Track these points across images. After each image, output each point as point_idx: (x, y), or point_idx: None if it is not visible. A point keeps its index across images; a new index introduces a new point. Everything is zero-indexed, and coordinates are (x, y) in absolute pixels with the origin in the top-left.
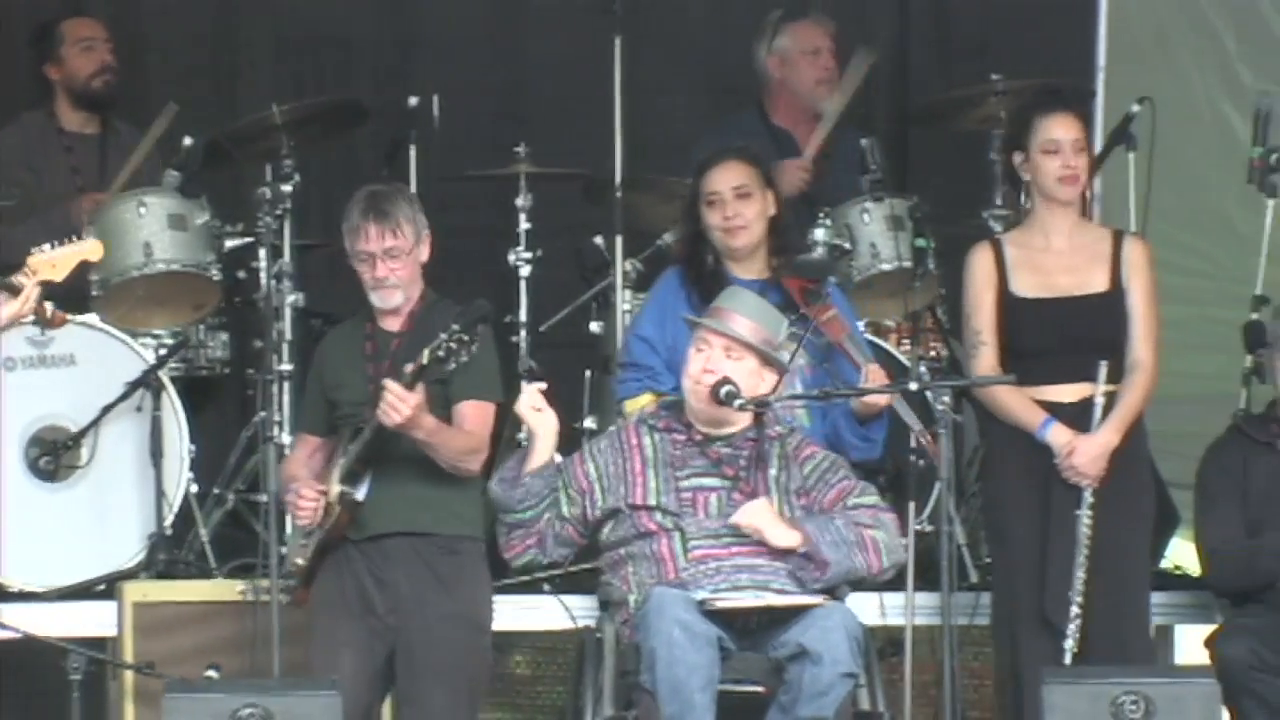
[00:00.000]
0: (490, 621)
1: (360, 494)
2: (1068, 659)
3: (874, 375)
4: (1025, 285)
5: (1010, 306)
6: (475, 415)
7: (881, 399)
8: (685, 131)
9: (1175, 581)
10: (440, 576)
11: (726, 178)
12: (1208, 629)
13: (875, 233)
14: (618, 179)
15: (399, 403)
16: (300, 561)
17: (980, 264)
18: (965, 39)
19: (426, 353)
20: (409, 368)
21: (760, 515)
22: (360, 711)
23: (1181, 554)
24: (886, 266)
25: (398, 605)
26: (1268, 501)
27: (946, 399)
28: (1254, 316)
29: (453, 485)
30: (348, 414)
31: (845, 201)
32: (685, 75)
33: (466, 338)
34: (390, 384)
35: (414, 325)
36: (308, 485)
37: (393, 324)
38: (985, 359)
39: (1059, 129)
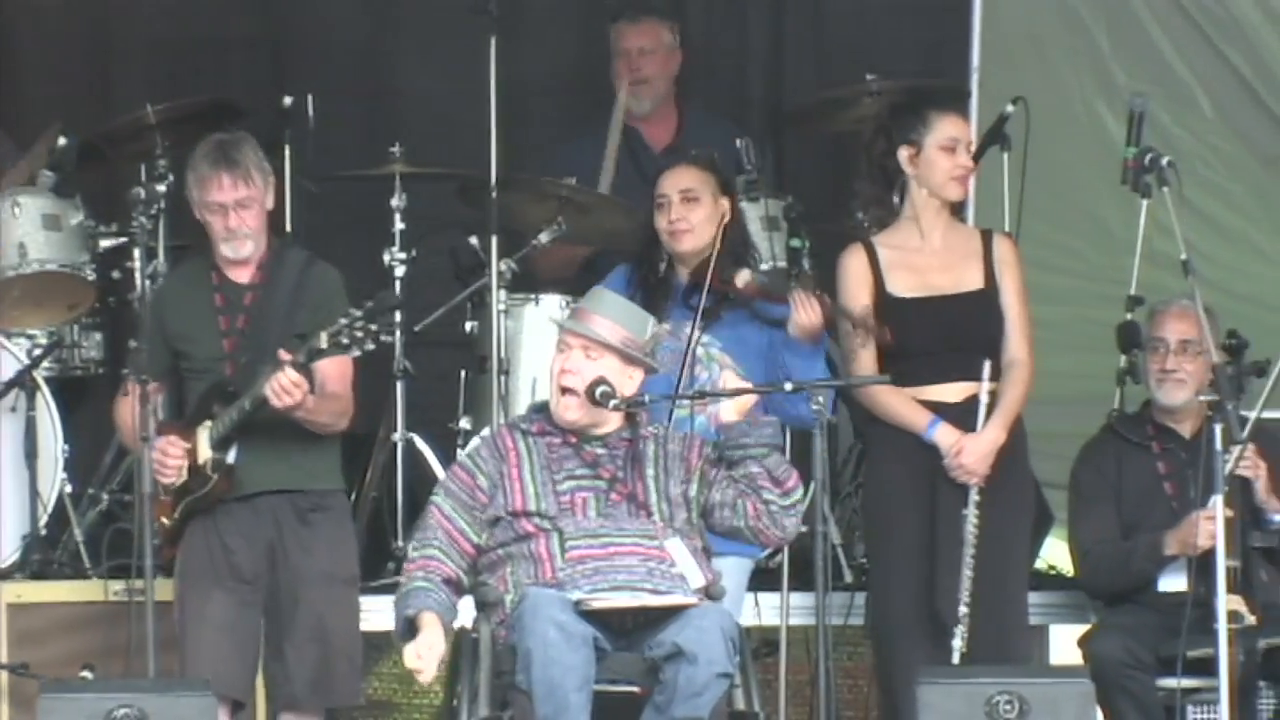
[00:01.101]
0: (358, 574)
1: (231, 457)
2: (956, 658)
3: (804, 299)
4: (902, 285)
5: (889, 307)
6: (337, 372)
7: (814, 319)
8: (562, 131)
9: (1049, 581)
10: (313, 533)
11: (675, 181)
12: (1082, 628)
13: (751, 233)
14: (493, 179)
15: (293, 388)
16: (165, 520)
17: (853, 266)
18: (840, 40)
19: (325, 336)
20: (296, 353)
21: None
22: (238, 687)
23: (1055, 554)
24: (762, 266)
25: (272, 565)
26: (1141, 502)
27: (821, 399)
28: (1128, 317)
29: (316, 440)
30: (199, 369)
31: None
32: (562, 74)
33: (373, 327)
34: (287, 370)
35: (265, 276)
36: (172, 443)
37: (241, 275)
38: (864, 360)
39: (957, 128)
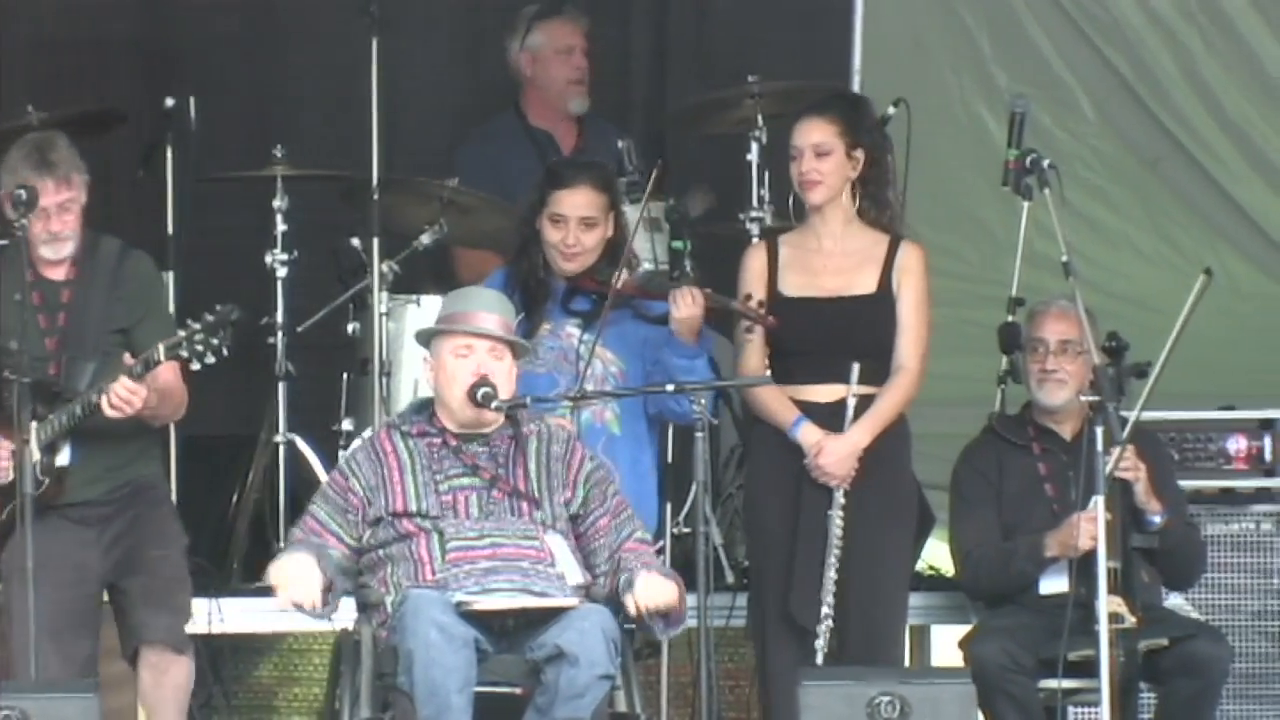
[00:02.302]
0: (187, 542)
1: (63, 459)
2: (819, 659)
3: (682, 293)
4: (792, 285)
5: (775, 305)
6: (168, 367)
7: (693, 311)
8: (444, 133)
9: (930, 583)
10: (149, 523)
11: (575, 205)
12: (963, 630)
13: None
14: (375, 181)
15: (132, 397)
16: None
17: (752, 262)
18: (723, 42)
19: (163, 348)
20: (135, 362)
21: (665, 597)
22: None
23: (937, 555)
24: (644, 268)
25: (118, 563)
26: (1022, 503)
27: (703, 400)
28: (1009, 318)
29: (137, 435)
30: (22, 368)
31: None
32: (444, 76)
33: (215, 341)
34: (123, 380)
35: (80, 272)
36: None
37: (56, 272)
38: (751, 357)
39: (799, 135)
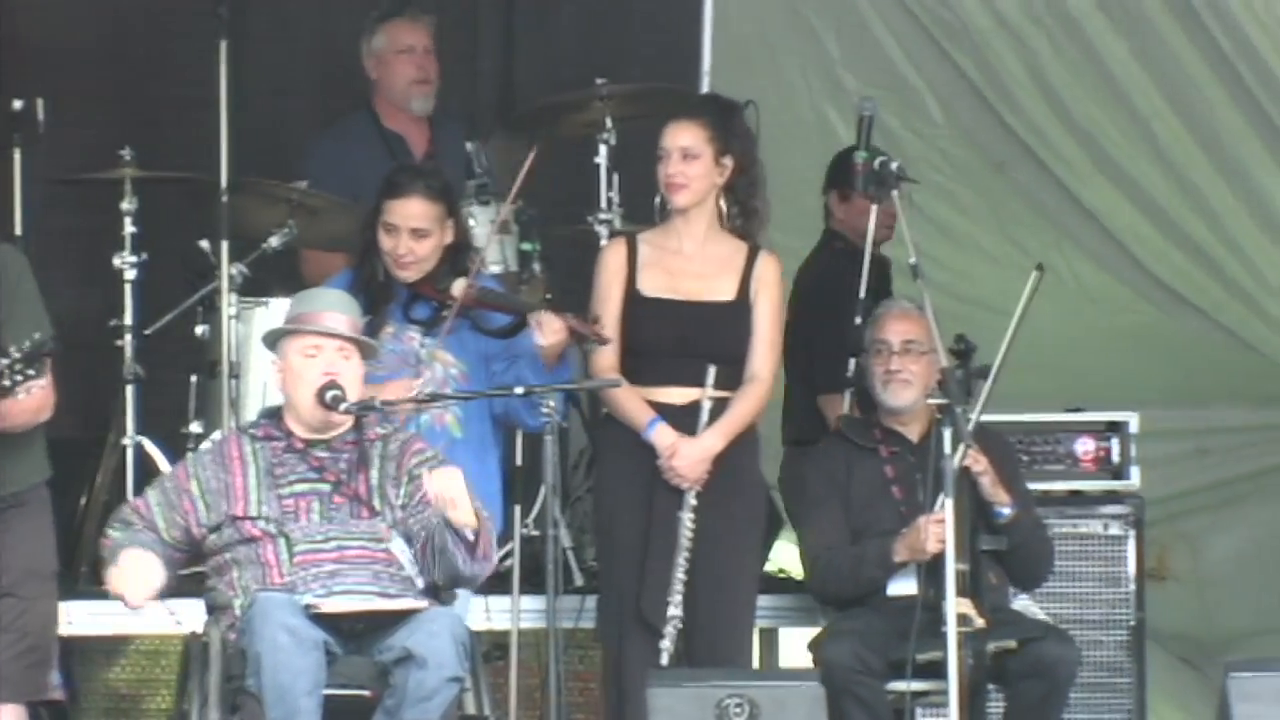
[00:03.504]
0: (56, 568)
1: None
2: (664, 659)
3: (545, 320)
4: (651, 285)
5: (633, 304)
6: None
7: (558, 338)
8: (294, 134)
9: (780, 585)
10: (10, 530)
11: (407, 215)
12: (812, 632)
13: (481, 236)
14: (223, 183)
15: None
16: None
17: (611, 260)
18: (571, 44)
19: None
20: None
21: (454, 484)
22: None
23: (786, 558)
24: (492, 269)
25: None
26: (870, 505)
27: (552, 403)
28: (856, 321)
29: (14, 441)
30: None
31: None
32: (295, 78)
33: (32, 371)
34: None
35: None
36: None
37: None
38: (605, 355)
39: (668, 137)
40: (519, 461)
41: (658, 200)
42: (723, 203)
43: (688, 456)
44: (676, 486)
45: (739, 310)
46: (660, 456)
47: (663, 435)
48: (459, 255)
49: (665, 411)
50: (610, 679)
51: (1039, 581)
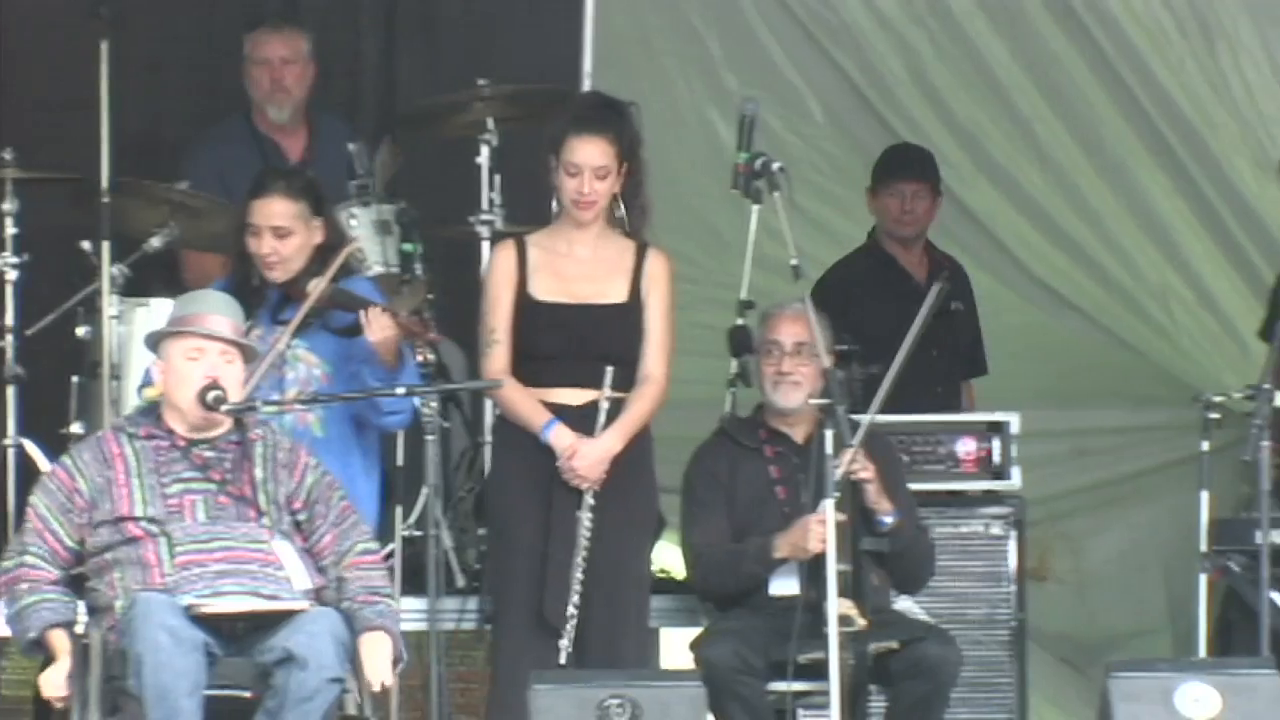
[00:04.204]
0: None
1: None
2: (564, 659)
3: (374, 316)
4: (544, 289)
5: (526, 309)
6: None
7: (386, 334)
8: (175, 136)
9: (661, 585)
10: None
11: (267, 213)
12: (693, 632)
13: (362, 237)
14: (104, 184)
15: None
16: None
17: (501, 263)
18: (452, 44)
19: None
20: None
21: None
22: None
23: (667, 558)
24: (373, 271)
25: None
26: (753, 506)
27: (434, 404)
28: (739, 321)
29: None
30: None
31: (333, 206)
32: (176, 79)
33: None
34: None
35: None
36: None
37: None
38: (497, 358)
39: (582, 153)
40: (400, 462)
41: (555, 208)
42: (617, 206)
43: (587, 457)
44: (575, 487)
45: (632, 311)
46: (559, 457)
47: (561, 436)
48: (330, 256)
49: (562, 412)
50: (505, 679)
51: (920, 585)
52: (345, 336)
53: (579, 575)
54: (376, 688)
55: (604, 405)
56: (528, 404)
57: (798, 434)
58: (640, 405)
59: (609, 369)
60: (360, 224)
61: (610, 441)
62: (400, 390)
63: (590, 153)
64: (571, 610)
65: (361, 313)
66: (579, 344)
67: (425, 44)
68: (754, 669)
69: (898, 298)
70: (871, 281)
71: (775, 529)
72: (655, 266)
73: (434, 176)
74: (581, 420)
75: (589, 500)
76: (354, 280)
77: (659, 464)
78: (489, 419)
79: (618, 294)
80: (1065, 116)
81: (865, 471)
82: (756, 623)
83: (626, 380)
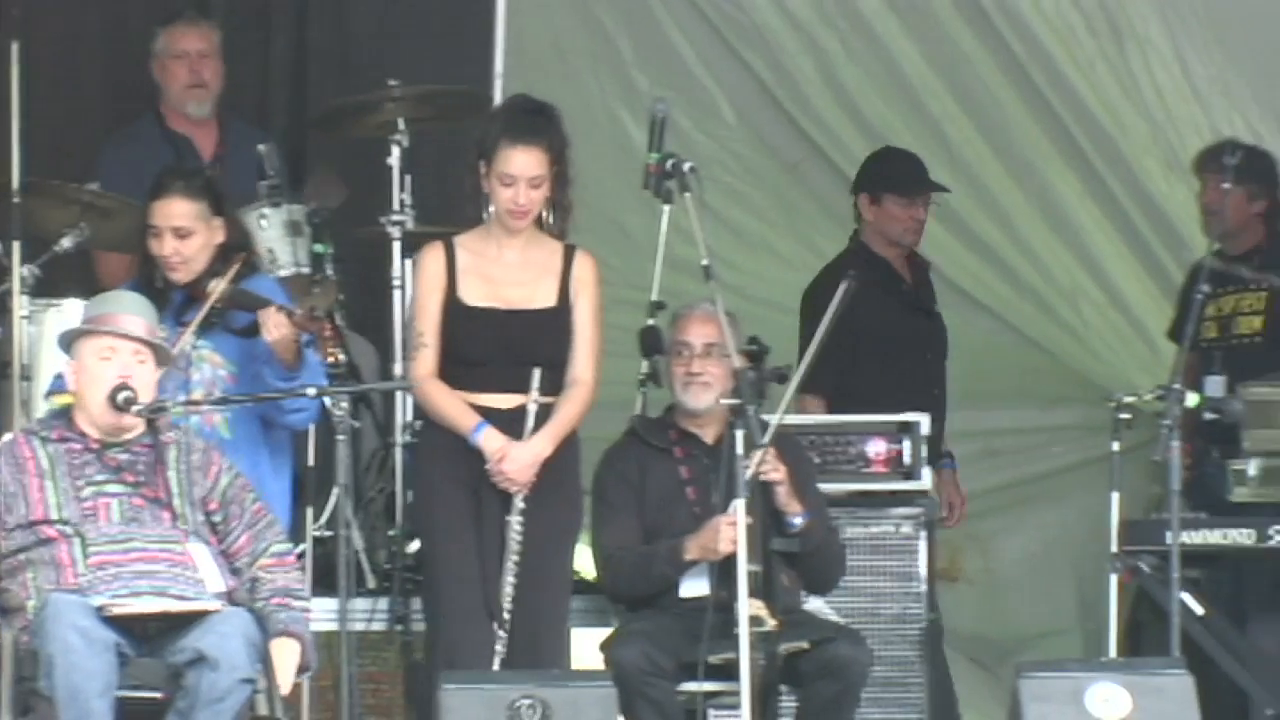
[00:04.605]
0: None
1: None
2: (498, 664)
3: (268, 315)
4: (473, 294)
5: (455, 313)
6: None
7: (283, 333)
8: (86, 136)
9: (572, 586)
10: None
11: (168, 214)
12: (604, 633)
13: (273, 238)
14: (15, 184)
15: None
16: None
17: (429, 266)
18: (364, 45)
19: None
20: None
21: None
22: None
23: (578, 558)
24: (284, 272)
25: None
26: (664, 507)
27: (344, 405)
28: (650, 322)
29: None
30: None
31: (243, 206)
32: (86, 79)
33: None
34: None
35: None
36: None
37: None
38: (425, 361)
39: (516, 164)
40: (311, 462)
41: (486, 215)
42: (544, 209)
43: (517, 461)
44: (504, 490)
45: (562, 315)
46: (488, 460)
47: (491, 440)
48: (234, 255)
49: (491, 416)
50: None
51: (831, 586)
52: (244, 337)
53: (511, 579)
54: (283, 693)
55: (532, 409)
56: (456, 407)
57: (708, 434)
58: (569, 409)
59: (537, 372)
60: (271, 225)
61: (540, 445)
62: (311, 391)
63: (525, 163)
64: (505, 615)
65: (261, 312)
66: (508, 349)
67: (336, 44)
68: (664, 670)
69: (891, 299)
70: (865, 284)
71: (686, 529)
72: (583, 269)
73: (345, 177)
74: (510, 424)
75: (519, 504)
76: (258, 279)
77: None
78: (400, 419)
79: (546, 298)
80: (976, 117)
81: (776, 473)
82: (667, 624)
83: (555, 384)
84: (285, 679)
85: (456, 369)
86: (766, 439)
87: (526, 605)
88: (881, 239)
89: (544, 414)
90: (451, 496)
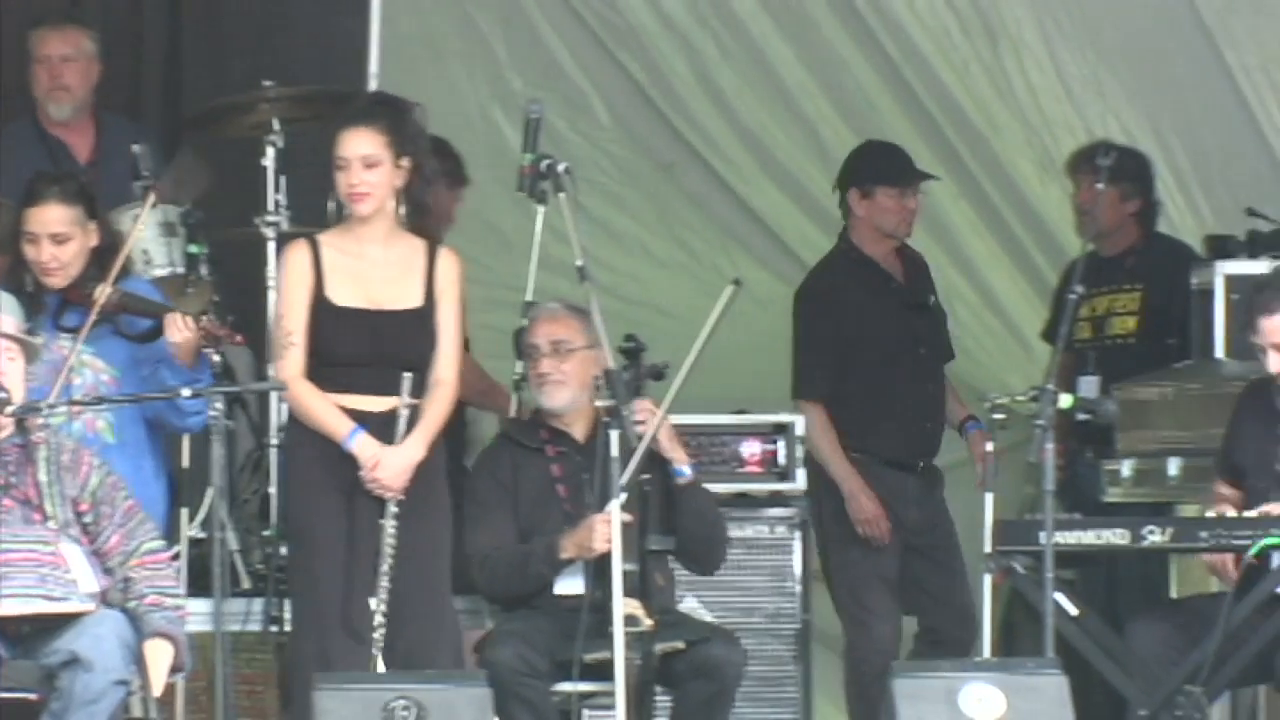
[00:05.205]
0: None
1: None
2: (380, 666)
3: (174, 318)
4: (341, 294)
5: (324, 313)
6: None
7: (186, 336)
8: None
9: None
10: None
11: (44, 220)
12: (478, 633)
13: (148, 239)
14: None
15: None
16: None
17: (296, 264)
18: (238, 45)
19: None
20: None
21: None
22: None
23: None
24: (159, 272)
25: None
26: (537, 506)
27: (220, 405)
28: (524, 323)
29: None
30: None
31: (118, 207)
32: None
33: None
34: None
35: None
36: None
37: None
38: (293, 361)
39: (348, 145)
40: (185, 464)
41: (331, 204)
42: (400, 203)
43: (391, 466)
44: (378, 496)
45: (428, 315)
46: (362, 467)
47: (365, 446)
48: (107, 258)
49: (363, 419)
50: (303, 685)
51: (716, 561)
52: (142, 342)
53: (385, 584)
54: (156, 695)
55: (403, 413)
56: (329, 412)
57: (577, 432)
58: (437, 410)
59: (407, 376)
60: (146, 225)
61: (413, 450)
62: (186, 391)
63: (354, 143)
64: (380, 618)
65: (167, 316)
66: (378, 350)
67: (211, 44)
68: (538, 670)
69: (880, 299)
70: (855, 285)
71: (558, 528)
72: (447, 267)
73: (219, 178)
74: (381, 428)
75: (392, 509)
76: (133, 281)
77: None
78: (275, 420)
79: (413, 298)
80: (849, 117)
81: (655, 421)
82: (542, 623)
83: (423, 386)
84: (158, 680)
85: (325, 370)
86: (667, 401)
87: (411, 610)
88: (872, 234)
89: (414, 417)
90: (324, 505)
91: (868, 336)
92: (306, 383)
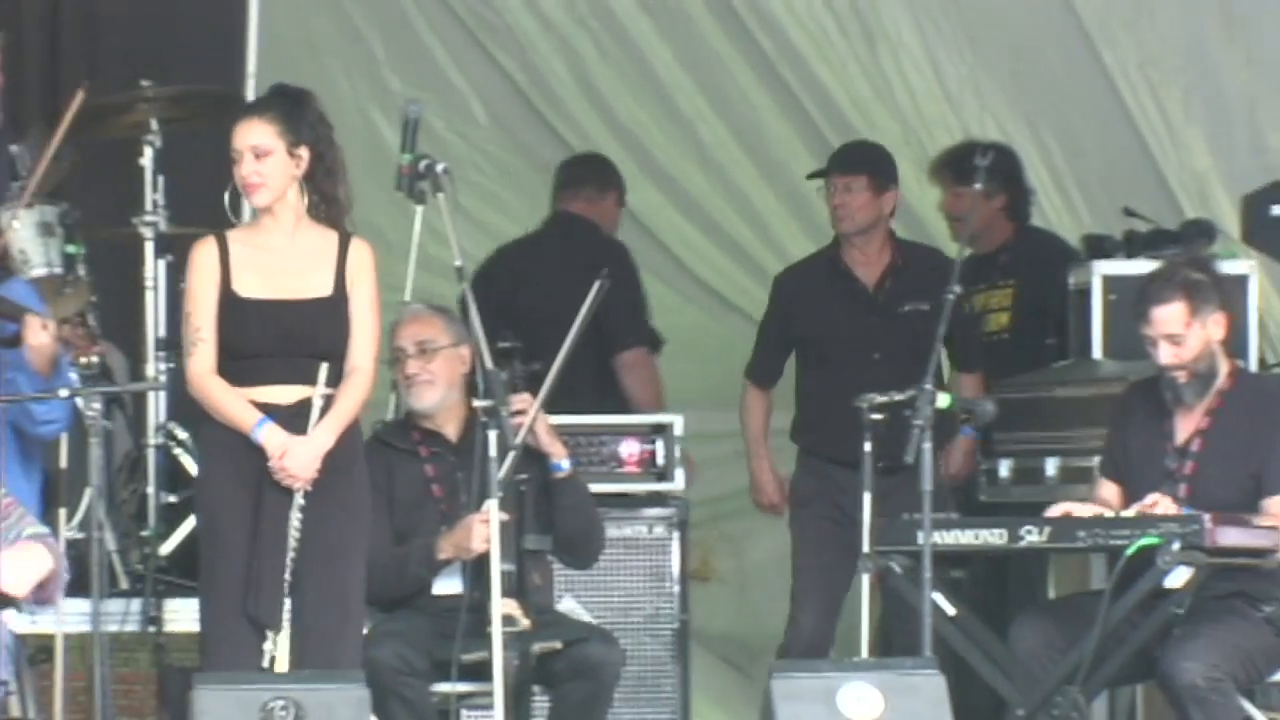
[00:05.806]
0: None
1: None
2: (284, 664)
3: (31, 323)
4: (248, 286)
5: (231, 306)
6: None
7: (42, 339)
8: None
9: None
10: None
11: None
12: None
13: (25, 239)
14: None
15: None
16: None
17: (202, 260)
18: (115, 45)
19: None
20: None
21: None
22: None
23: None
24: (37, 273)
25: None
26: (413, 508)
27: (97, 406)
28: None
29: None
30: None
31: None
32: None
33: None
34: None
35: None
36: None
37: None
38: (203, 357)
39: (239, 137)
40: (63, 464)
41: (227, 197)
42: (304, 193)
43: (299, 456)
44: (286, 487)
45: (338, 304)
46: (270, 457)
47: (272, 436)
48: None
49: (273, 411)
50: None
51: (593, 554)
52: (9, 347)
53: (288, 577)
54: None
55: (318, 403)
56: (236, 404)
57: (450, 432)
58: (350, 398)
59: (324, 365)
60: (23, 226)
61: (322, 439)
62: (64, 392)
63: (245, 134)
64: (285, 613)
65: (26, 316)
66: (287, 340)
67: (88, 44)
68: (417, 670)
69: (839, 298)
70: (816, 283)
71: (434, 529)
72: (359, 256)
73: (97, 177)
74: (292, 419)
75: (299, 500)
76: (11, 283)
77: None
78: (153, 420)
79: (322, 287)
80: (728, 118)
81: (529, 413)
82: (420, 623)
83: (339, 375)
84: (21, 579)
85: (234, 364)
86: (537, 404)
87: (317, 603)
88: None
89: (329, 407)
90: (230, 498)
91: (822, 336)
92: (215, 377)
